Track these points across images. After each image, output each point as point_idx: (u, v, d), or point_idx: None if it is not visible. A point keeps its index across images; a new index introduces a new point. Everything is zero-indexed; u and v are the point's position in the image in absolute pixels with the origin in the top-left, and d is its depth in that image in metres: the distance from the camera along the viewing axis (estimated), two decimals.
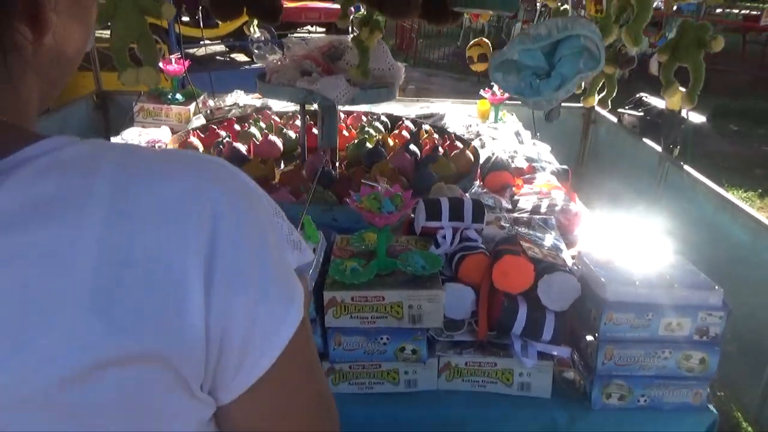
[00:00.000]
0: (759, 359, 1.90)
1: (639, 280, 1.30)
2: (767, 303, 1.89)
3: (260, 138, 2.32)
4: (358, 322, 1.25)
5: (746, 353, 1.92)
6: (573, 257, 1.57)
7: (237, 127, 2.53)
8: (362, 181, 1.38)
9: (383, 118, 2.91)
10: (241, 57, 9.90)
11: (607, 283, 1.29)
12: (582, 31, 1.44)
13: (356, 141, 2.51)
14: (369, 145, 2.48)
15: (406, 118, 2.94)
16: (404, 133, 2.72)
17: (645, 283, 1.25)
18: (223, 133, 2.38)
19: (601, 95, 2.59)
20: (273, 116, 2.69)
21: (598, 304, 1.29)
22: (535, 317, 1.24)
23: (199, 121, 2.93)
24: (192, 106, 3.09)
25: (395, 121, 2.92)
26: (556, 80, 1.51)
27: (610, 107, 2.65)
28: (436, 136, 2.64)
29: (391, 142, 2.58)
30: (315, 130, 2.37)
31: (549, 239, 1.60)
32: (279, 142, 2.32)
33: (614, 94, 2.54)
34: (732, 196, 2.18)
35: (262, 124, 2.54)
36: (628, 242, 1.60)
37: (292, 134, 2.48)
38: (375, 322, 1.24)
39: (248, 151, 2.33)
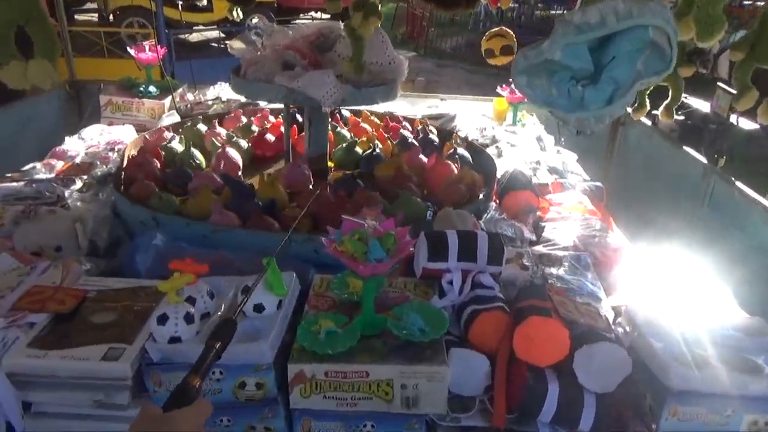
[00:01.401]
0: None
1: (712, 357, 1.04)
2: None
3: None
4: (333, 404, 1.11)
5: None
6: (614, 311, 1.34)
7: (203, 127, 2.44)
8: (343, 216, 1.15)
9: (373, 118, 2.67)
10: (239, 44, 9.70)
11: (670, 363, 1.02)
12: (653, 19, 1.11)
13: (345, 144, 2.30)
14: (358, 150, 2.26)
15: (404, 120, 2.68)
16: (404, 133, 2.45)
17: (720, 362, 0.96)
18: (168, 135, 2.21)
19: (666, 103, 2.13)
20: (269, 116, 2.55)
21: (656, 391, 1.04)
22: (570, 400, 1.08)
23: (171, 118, 2.70)
24: (167, 101, 2.85)
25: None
26: (607, 87, 1.19)
27: (674, 118, 2.24)
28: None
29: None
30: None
31: (585, 285, 1.38)
32: (237, 157, 2.07)
33: (679, 102, 2.15)
34: None
35: (222, 130, 2.33)
36: (684, 290, 1.37)
37: (271, 138, 2.29)
38: (356, 405, 1.10)
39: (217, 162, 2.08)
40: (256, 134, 2.34)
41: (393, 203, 1.73)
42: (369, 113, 2.72)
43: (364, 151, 2.24)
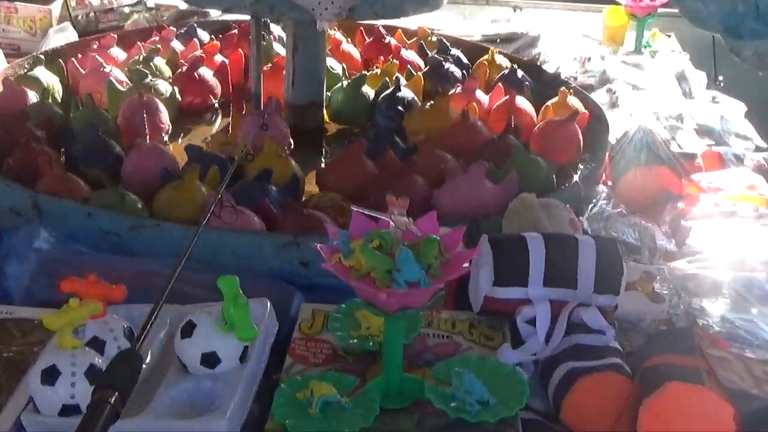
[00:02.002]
0: None
1: None
2: None
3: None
4: None
5: None
6: None
7: (116, 53, 2.48)
8: (353, 207, 1.15)
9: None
10: None
11: None
12: None
13: (345, 82, 2.31)
14: (368, 91, 2.28)
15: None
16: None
17: None
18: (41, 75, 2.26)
19: None
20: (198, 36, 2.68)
21: None
22: None
23: (60, 35, 2.76)
24: (57, 5, 2.91)
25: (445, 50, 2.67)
26: None
27: None
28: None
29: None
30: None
31: (760, 331, 1.38)
32: (164, 110, 2.12)
33: None
34: None
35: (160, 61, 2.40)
36: None
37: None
38: None
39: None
40: (183, 70, 2.37)
41: (502, 166, 1.77)
42: (363, 28, 2.75)
43: (378, 92, 2.29)
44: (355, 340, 1.31)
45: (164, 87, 2.23)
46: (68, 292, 1.13)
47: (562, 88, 2.28)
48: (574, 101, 2.21)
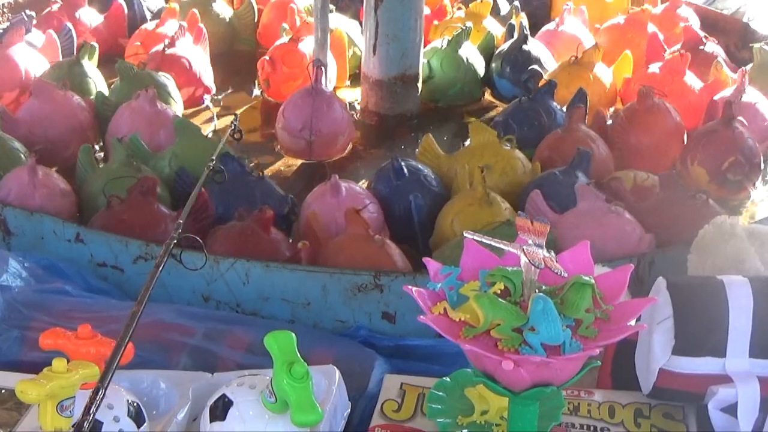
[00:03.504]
0: None
1: None
2: None
3: None
4: None
5: None
6: None
7: None
8: (466, 234, 1.18)
9: None
10: None
11: None
12: None
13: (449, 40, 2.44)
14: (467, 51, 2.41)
15: None
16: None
17: None
18: None
19: None
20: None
21: None
22: None
23: None
24: None
25: None
26: None
27: None
28: None
29: None
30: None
31: None
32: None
33: None
34: None
35: None
36: None
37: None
38: None
39: None
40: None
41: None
42: None
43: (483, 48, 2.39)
44: (465, 431, 1.31)
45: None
46: (50, 350, 1.15)
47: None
48: None
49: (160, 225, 1.88)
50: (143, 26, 3.22)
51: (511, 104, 2.38)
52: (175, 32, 2.90)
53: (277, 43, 2.87)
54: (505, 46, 2.40)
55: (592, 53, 2.51)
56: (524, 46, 2.35)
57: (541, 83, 2.33)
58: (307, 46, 2.66)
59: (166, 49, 2.86)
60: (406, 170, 2.02)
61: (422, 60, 2.34)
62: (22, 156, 2.19)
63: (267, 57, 2.76)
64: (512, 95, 2.36)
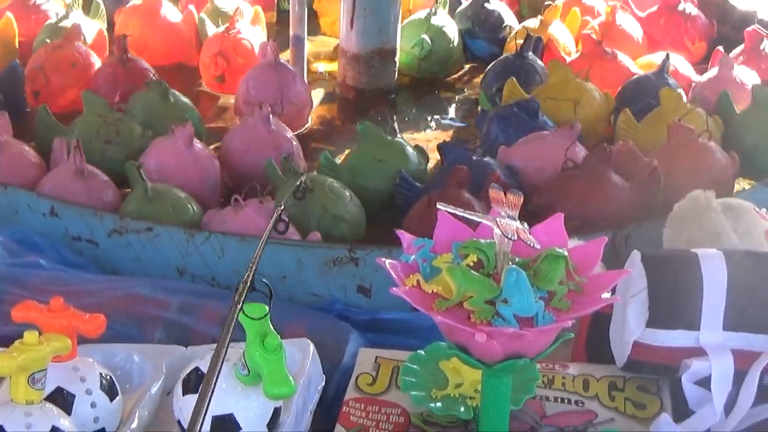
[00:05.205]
0: None
1: None
2: None
3: None
4: None
5: None
6: None
7: None
8: (439, 205, 1.18)
9: None
10: None
11: None
12: None
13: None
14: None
15: None
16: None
17: None
18: None
19: None
20: None
21: None
22: None
23: None
24: None
25: None
26: None
27: None
28: None
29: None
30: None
31: None
32: None
33: None
34: None
35: None
36: None
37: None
38: None
39: None
40: None
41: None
42: None
43: (474, 19, 2.52)
44: (438, 404, 1.31)
45: None
46: (22, 322, 1.15)
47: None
48: None
49: None
50: None
51: (499, 62, 2.41)
52: None
53: (211, 34, 2.86)
54: (464, 7, 2.42)
55: (554, 12, 2.63)
56: (486, 4, 2.37)
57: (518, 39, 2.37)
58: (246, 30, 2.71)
59: None
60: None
61: (424, 36, 2.42)
62: None
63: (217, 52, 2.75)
64: (489, 54, 2.38)
